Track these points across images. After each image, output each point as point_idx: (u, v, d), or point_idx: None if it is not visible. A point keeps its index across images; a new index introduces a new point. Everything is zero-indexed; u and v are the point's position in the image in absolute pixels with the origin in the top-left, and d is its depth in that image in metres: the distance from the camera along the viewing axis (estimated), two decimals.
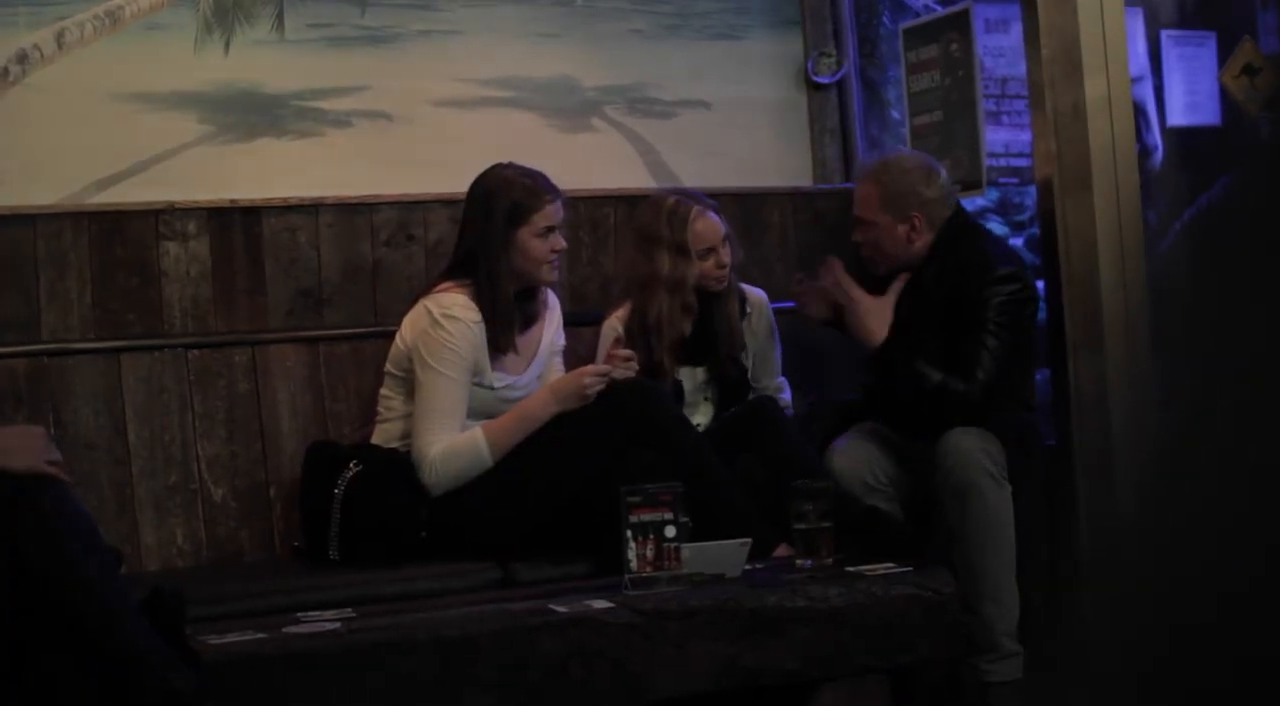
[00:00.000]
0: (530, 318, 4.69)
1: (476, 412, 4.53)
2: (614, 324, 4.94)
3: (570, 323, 4.94)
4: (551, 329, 4.79)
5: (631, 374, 4.56)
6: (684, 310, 4.87)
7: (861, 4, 5.84)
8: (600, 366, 4.55)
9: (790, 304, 5.09)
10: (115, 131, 4.90)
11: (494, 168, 4.65)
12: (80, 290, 4.81)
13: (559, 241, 4.61)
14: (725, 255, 4.89)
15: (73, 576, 3.37)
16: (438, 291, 4.55)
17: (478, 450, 4.44)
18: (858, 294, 4.72)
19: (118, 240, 4.87)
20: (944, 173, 4.85)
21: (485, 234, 4.56)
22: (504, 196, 4.56)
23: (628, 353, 4.59)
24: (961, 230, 4.82)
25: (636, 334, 4.86)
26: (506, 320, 4.56)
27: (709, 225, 4.88)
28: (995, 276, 4.64)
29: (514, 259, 4.55)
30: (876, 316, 4.68)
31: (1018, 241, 5.62)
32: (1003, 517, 4.46)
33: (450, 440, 4.44)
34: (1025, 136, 5.43)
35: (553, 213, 4.58)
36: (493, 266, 4.53)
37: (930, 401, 4.57)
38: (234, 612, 4.01)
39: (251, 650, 3.59)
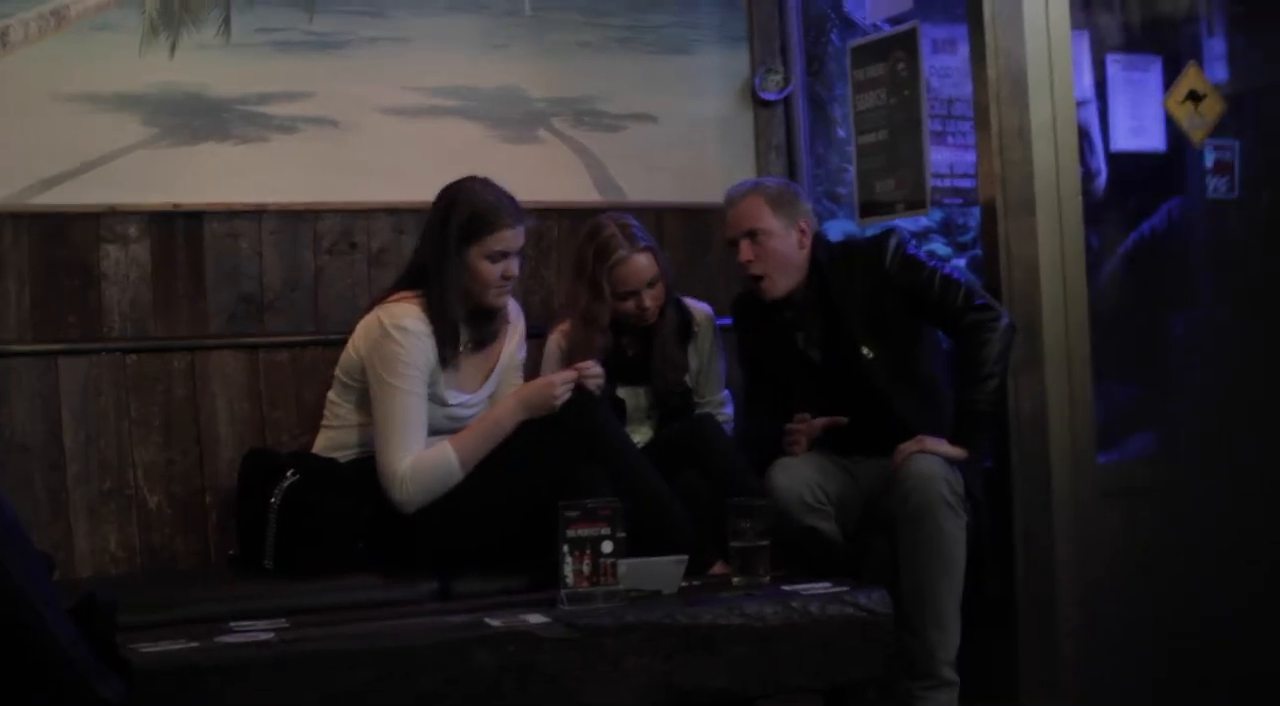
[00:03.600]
0: (485, 337, 4.66)
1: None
2: (558, 339, 4.94)
3: None
4: (513, 344, 4.77)
5: (599, 384, 4.55)
6: (596, 345, 4.85)
7: (810, 21, 5.83)
8: (568, 373, 4.53)
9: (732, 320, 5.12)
10: (58, 132, 4.86)
11: (464, 180, 4.61)
12: (19, 291, 4.79)
13: (511, 268, 4.57)
14: (649, 299, 4.86)
15: (1, 581, 3.33)
16: (391, 301, 4.52)
17: (448, 463, 4.42)
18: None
19: (59, 242, 4.85)
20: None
21: (438, 245, 4.53)
22: (463, 211, 4.52)
23: (594, 365, 4.58)
24: (837, 243, 4.94)
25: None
26: (455, 336, 4.53)
27: (632, 271, 4.83)
28: (890, 247, 4.73)
29: (463, 276, 4.52)
30: None
31: (960, 262, 5.63)
32: (956, 546, 4.47)
33: (418, 455, 4.41)
34: (970, 157, 5.43)
35: (510, 238, 4.54)
36: (442, 280, 4.50)
37: (984, 343, 4.59)
38: (167, 620, 3.99)
39: (182, 659, 3.55)
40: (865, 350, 4.67)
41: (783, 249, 4.74)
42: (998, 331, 4.59)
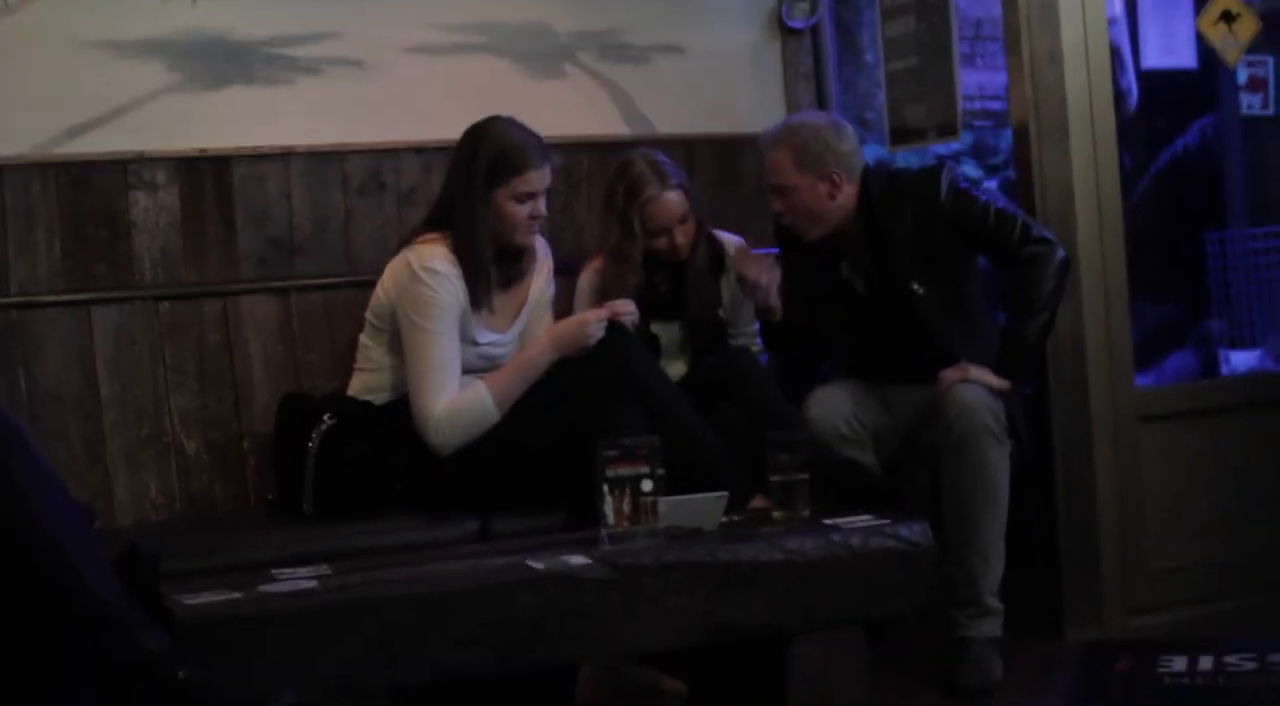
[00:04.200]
0: (513, 276, 4.64)
1: None
2: (590, 276, 4.92)
3: None
4: (541, 280, 4.74)
5: (633, 321, 4.54)
6: (629, 282, 4.82)
7: None
8: (601, 311, 4.50)
9: (767, 250, 5.08)
10: (82, 80, 4.83)
11: (489, 120, 4.58)
12: (49, 242, 4.77)
13: (539, 208, 4.54)
14: (680, 235, 4.82)
15: (37, 533, 3.33)
16: (419, 243, 4.50)
17: (484, 405, 4.41)
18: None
19: (86, 191, 4.83)
20: (849, 127, 4.81)
21: (465, 187, 4.50)
22: (489, 151, 4.49)
23: (628, 303, 4.56)
24: (884, 174, 4.83)
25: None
26: (485, 277, 4.50)
27: (663, 208, 4.80)
28: (944, 181, 4.66)
29: (490, 217, 4.50)
30: None
31: (992, 184, 5.61)
32: (1000, 475, 4.45)
33: (452, 398, 4.40)
34: (1000, 79, 5.40)
35: (536, 179, 4.51)
36: (469, 222, 4.48)
37: (1040, 278, 4.56)
38: (209, 568, 3.98)
39: (227, 610, 3.55)
40: (915, 285, 4.62)
41: (810, 202, 4.68)
42: (1053, 265, 4.55)
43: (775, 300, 4.77)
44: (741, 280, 4.84)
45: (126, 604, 3.39)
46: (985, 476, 4.43)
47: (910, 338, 4.67)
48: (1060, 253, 4.57)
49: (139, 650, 3.33)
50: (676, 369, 4.88)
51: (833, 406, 4.63)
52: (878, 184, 4.72)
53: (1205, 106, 6.25)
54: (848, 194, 4.68)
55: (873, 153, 5.60)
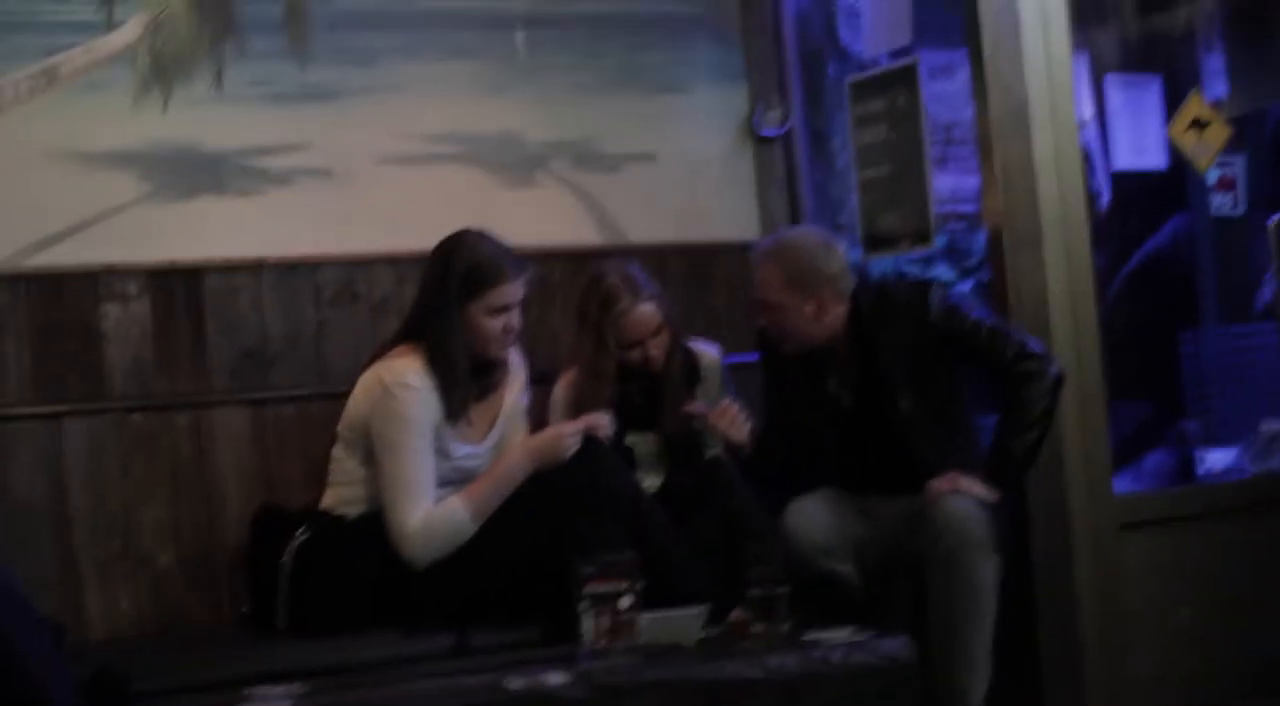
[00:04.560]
0: (487, 388, 4.62)
1: None
2: (564, 388, 4.91)
3: None
4: (515, 391, 4.72)
5: (608, 434, 4.52)
6: (602, 395, 4.82)
7: (806, 55, 5.80)
8: (577, 424, 4.49)
9: (741, 357, 5.07)
10: (52, 192, 4.82)
11: (461, 233, 4.56)
12: (19, 354, 4.75)
13: (513, 321, 4.53)
14: (654, 347, 4.83)
15: (6, 655, 3.29)
16: (391, 357, 4.48)
17: (459, 519, 4.37)
18: None
19: (57, 303, 4.81)
20: (840, 246, 4.79)
21: (437, 302, 4.48)
22: (462, 265, 4.47)
23: (604, 416, 4.55)
24: (873, 289, 4.78)
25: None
26: (459, 390, 4.48)
27: (637, 321, 4.81)
28: (937, 299, 4.63)
29: (465, 331, 4.48)
30: None
31: (965, 287, 5.60)
32: (989, 587, 4.41)
33: (427, 512, 4.36)
34: (971, 181, 5.41)
35: (509, 292, 4.50)
36: (443, 337, 4.46)
37: (1033, 395, 4.52)
38: (182, 687, 3.93)
39: None
40: (902, 402, 4.61)
41: (795, 322, 4.66)
42: (1047, 382, 4.52)
43: (745, 440, 4.76)
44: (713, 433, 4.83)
45: None
46: (974, 588, 4.39)
47: (895, 451, 4.64)
48: (1054, 369, 4.55)
49: None
50: (652, 480, 4.86)
51: (812, 517, 4.59)
52: (868, 299, 4.70)
53: (1176, 206, 6.27)
54: (835, 314, 4.66)
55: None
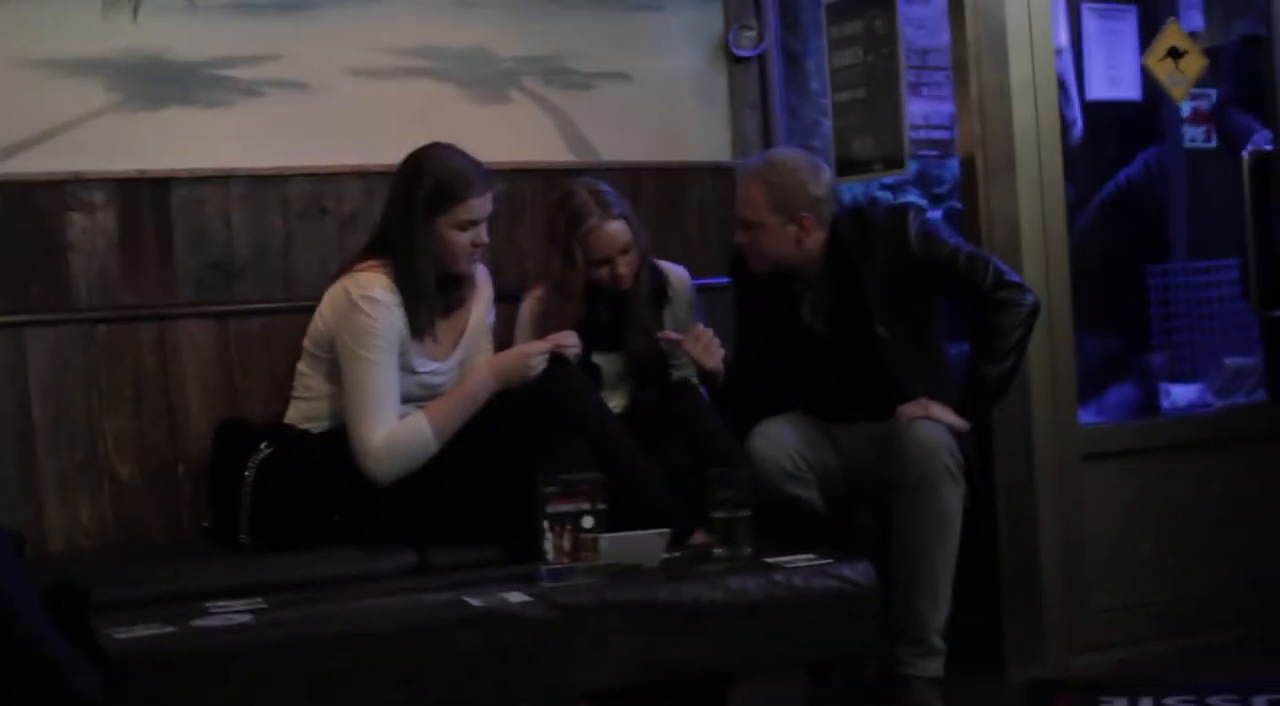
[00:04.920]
0: (455, 302, 4.59)
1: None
2: (531, 305, 4.88)
3: None
4: (481, 308, 4.70)
5: (575, 353, 4.50)
6: (569, 313, 4.79)
7: None
8: (544, 343, 4.47)
9: (711, 280, 5.06)
10: (20, 99, 4.76)
11: (429, 147, 4.53)
12: None
13: (481, 236, 4.50)
14: (623, 265, 4.79)
15: None
16: (358, 270, 4.44)
17: (423, 435, 4.35)
18: None
19: (23, 210, 4.76)
20: (827, 170, 4.76)
21: (405, 216, 4.45)
22: (429, 180, 4.44)
23: (571, 335, 4.53)
24: (850, 214, 4.76)
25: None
26: (426, 305, 4.45)
27: (605, 237, 4.77)
28: (915, 224, 4.62)
29: (432, 246, 4.45)
30: None
31: (936, 214, 5.58)
32: (954, 515, 4.42)
33: (391, 428, 4.34)
34: (945, 108, 5.39)
35: (477, 206, 4.47)
36: (411, 250, 4.43)
37: (1009, 323, 4.53)
38: (141, 599, 3.92)
39: (159, 646, 3.50)
40: (880, 328, 4.59)
41: (774, 244, 4.64)
42: (1024, 311, 4.53)
43: (719, 367, 4.74)
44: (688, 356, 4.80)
45: (58, 643, 3.34)
46: (940, 516, 4.39)
47: (869, 378, 4.63)
48: (1030, 298, 4.54)
49: (71, 692, 3.27)
50: (617, 401, 4.85)
51: (778, 442, 4.58)
52: (845, 224, 4.67)
53: (1150, 138, 6.25)
54: (815, 239, 4.64)
55: None
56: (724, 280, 5.02)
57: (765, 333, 4.80)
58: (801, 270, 4.69)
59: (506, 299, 4.92)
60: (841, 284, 4.65)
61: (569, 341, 4.49)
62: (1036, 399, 4.95)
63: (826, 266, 4.67)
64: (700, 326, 4.77)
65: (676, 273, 5.02)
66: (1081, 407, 5.22)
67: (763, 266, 4.70)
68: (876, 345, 4.59)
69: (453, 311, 4.59)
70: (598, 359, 4.83)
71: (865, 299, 4.60)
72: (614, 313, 4.86)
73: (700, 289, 5.09)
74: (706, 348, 4.71)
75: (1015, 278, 4.58)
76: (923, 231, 4.60)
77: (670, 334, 4.79)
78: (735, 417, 4.71)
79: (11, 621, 3.27)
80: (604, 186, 4.85)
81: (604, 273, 4.78)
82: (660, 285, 4.93)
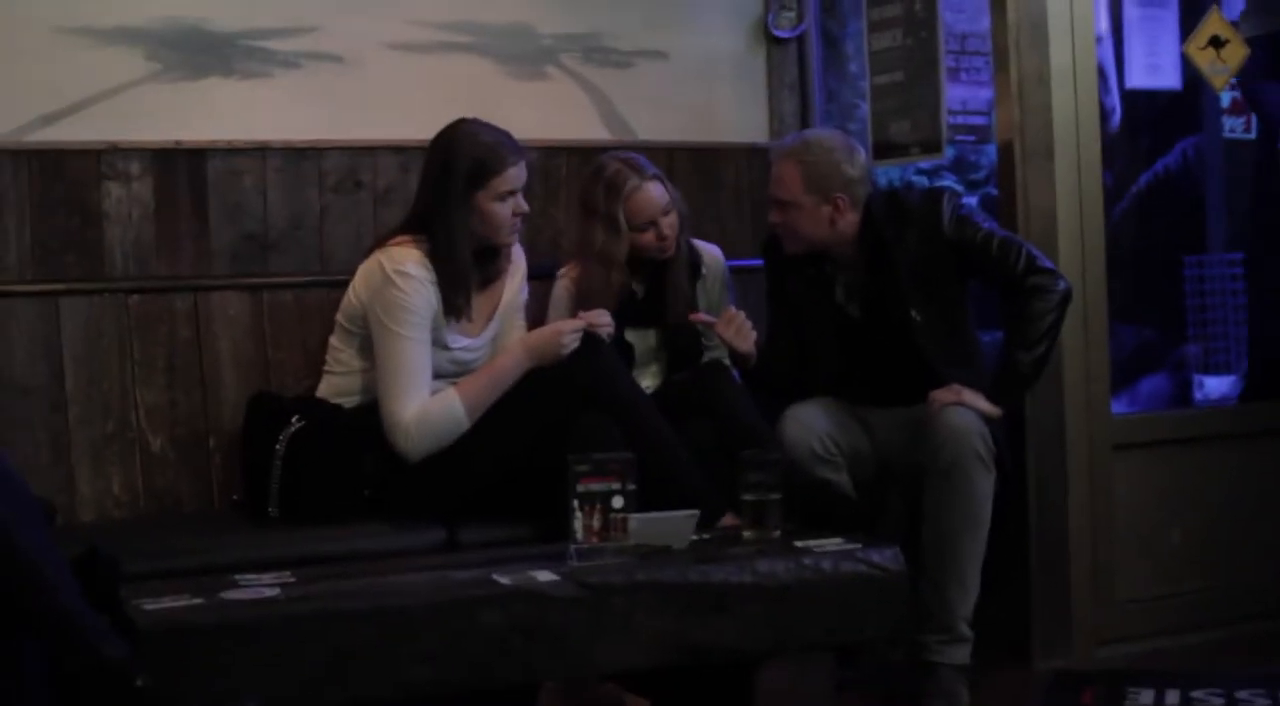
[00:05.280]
0: (489, 277, 4.59)
1: None
2: (566, 284, 4.88)
3: None
4: (515, 284, 4.69)
5: (609, 332, 4.49)
6: (614, 284, 4.80)
7: None
8: (577, 322, 4.46)
9: (745, 261, 5.06)
10: (59, 67, 4.77)
11: (458, 123, 4.52)
12: (19, 230, 4.71)
13: (520, 205, 4.50)
14: (666, 227, 4.79)
15: (3, 540, 3.28)
16: (392, 244, 4.44)
17: (454, 412, 4.35)
18: None
19: (58, 179, 4.77)
20: (862, 151, 4.74)
21: (443, 193, 4.44)
22: (465, 156, 4.43)
23: (604, 314, 4.52)
24: (885, 196, 4.73)
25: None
26: (462, 282, 4.45)
27: (646, 199, 4.78)
28: (947, 208, 4.59)
29: (472, 221, 4.44)
30: None
31: (972, 200, 5.57)
32: (985, 502, 4.40)
33: (422, 403, 4.34)
34: (983, 94, 5.38)
35: (515, 176, 4.46)
36: (449, 227, 4.42)
37: (1042, 310, 4.50)
38: (170, 570, 3.93)
39: (187, 618, 3.49)
40: (914, 312, 4.57)
41: (808, 225, 4.61)
42: (1056, 297, 4.50)
43: (751, 350, 4.73)
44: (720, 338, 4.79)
45: (85, 609, 3.34)
46: (971, 502, 4.38)
47: (902, 362, 4.61)
48: (1063, 284, 4.51)
49: (97, 658, 3.28)
50: (649, 380, 4.85)
51: (808, 425, 4.57)
52: (879, 206, 4.65)
53: (1188, 128, 6.22)
54: (849, 220, 4.62)
55: None
56: (757, 262, 5.00)
57: (798, 315, 4.78)
58: (835, 252, 4.67)
59: (540, 276, 4.91)
60: (874, 266, 4.63)
61: (602, 320, 4.48)
62: (1069, 387, 4.94)
63: (860, 249, 4.65)
64: (733, 309, 4.75)
65: (711, 251, 5.01)
66: (1114, 397, 5.20)
67: (796, 247, 4.68)
68: (909, 329, 4.57)
69: (489, 284, 4.59)
70: (631, 336, 4.83)
71: (898, 282, 4.58)
72: (648, 290, 4.86)
73: (734, 270, 5.09)
74: (739, 330, 4.69)
75: (1048, 264, 4.55)
76: (957, 216, 4.58)
77: (703, 316, 4.78)
78: (766, 400, 4.70)
79: (40, 589, 3.28)
80: (634, 154, 4.87)
81: (650, 236, 4.78)
82: (695, 263, 4.92)
